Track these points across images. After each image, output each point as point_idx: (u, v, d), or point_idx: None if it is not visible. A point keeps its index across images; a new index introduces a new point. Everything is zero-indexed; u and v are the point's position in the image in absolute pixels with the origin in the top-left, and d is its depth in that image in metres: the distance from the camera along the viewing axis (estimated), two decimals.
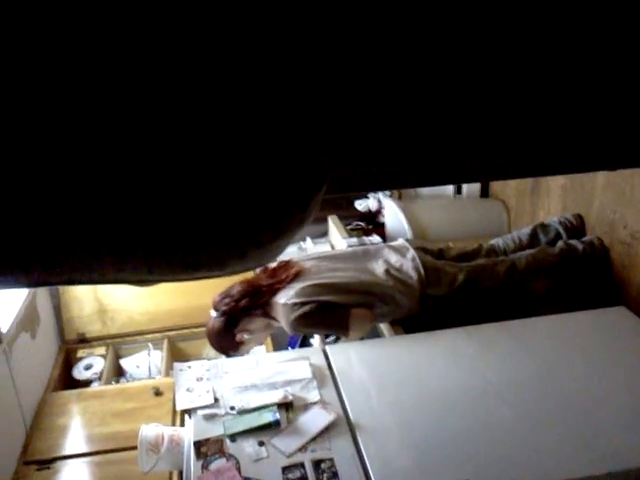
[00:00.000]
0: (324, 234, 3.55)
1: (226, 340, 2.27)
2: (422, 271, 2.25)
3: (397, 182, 0.98)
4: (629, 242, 2.29)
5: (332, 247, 3.38)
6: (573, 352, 1.99)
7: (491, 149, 0.74)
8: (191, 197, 0.46)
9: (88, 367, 2.93)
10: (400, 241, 2.49)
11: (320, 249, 3.43)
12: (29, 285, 0.52)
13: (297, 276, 2.24)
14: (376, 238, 3.11)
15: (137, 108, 0.44)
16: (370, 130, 0.62)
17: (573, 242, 2.46)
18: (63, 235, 0.44)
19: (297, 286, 2.19)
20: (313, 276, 2.26)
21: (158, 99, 0.45)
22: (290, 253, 3.12)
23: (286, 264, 2.32)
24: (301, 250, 3.41)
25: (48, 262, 0.46)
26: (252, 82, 0.48)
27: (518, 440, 1.64)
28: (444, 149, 0.70)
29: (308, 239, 3.48)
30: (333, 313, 2.15)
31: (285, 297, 2.17)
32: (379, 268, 2.29)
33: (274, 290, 2.20)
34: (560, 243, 2.47)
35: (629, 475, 1.53)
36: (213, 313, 2.26)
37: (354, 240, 3.10)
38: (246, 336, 2.27)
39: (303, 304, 2.12)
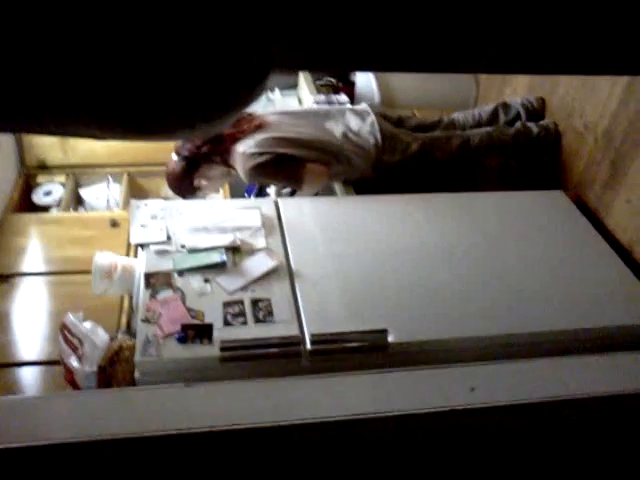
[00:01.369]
0: (294, 86, 3.51)
1: (184, 184, 2.36)
2: (379, 137, 2.31)
3: (359, 65, 0.97)
4: (581, 132, 2.37)
5: (300, 101, 3.38)
6: (511, 227, 2.14)
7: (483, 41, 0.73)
8: (145, 72, 0.51)
9: (47, 193, 2.98)
10: (363, 105, 2.52)
11: (288, 102, 3.42)
12: None
13: (259, 128, 2.29)
14: (343, 97, 3.11)
15: None
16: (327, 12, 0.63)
17: (530, 125, 2.53)
18: (22, 90, 0.49)
19: (258, 137, 2.25)
20: (274, 129, 2.30)
21: None
22: (257, 104, 3.11)
23: (250, 116, 2.34)
24: (269, 101, 3.39)
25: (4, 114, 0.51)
26: None
27: (448, 298, 1.81)
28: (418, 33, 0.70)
29: (277, 91, 3.45)
30: (289, 166, 2.22)
31: (245, 146, 2.23)
32: (338, 130, 2.34)
33: (235, 139, 2.25)
34: (518, 124, 2.54)
35: (546, 336, 1.73)
36: (174, 156, 2.32)
37: (321, 97, 3.10)
38: (204, 182, 2.35)
39: (261, 154, 2.19)
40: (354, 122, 2.37)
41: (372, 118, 2.37)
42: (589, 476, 1.70)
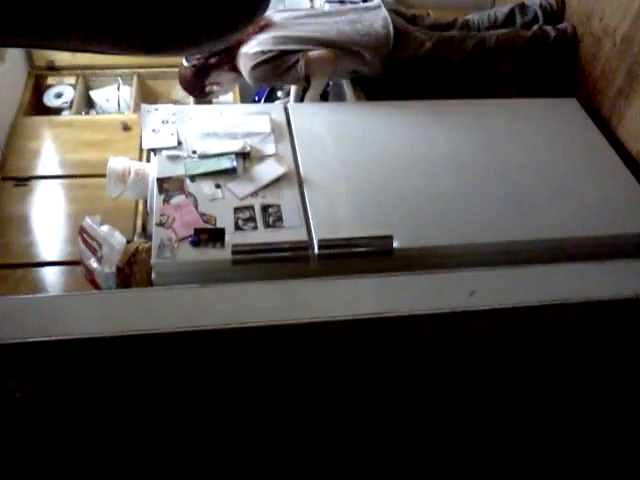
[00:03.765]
0: None
1: (196, 89, 2.38)
2: (391, 30, 2.26)
3: None
4: (600, 36, 2.30)
5: (311, 1, 3.27)
6: (521, 135, 2.13)
7: None
8: None
9: (58, 95, 2.97)
10: (375, 1, 2.45)
11: (299, 2, 3.31)
12: (6, 46, 0.61)
13: (263, 29, 2.24)
14: None
15: None
16: None
17: (547, 28, 2.46)
18: (41, 12, 0.51)
19: (261, 37, 2.22)
20: (280, 28, 2.27)
21: None
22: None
23: None
24: (279, 1, 3.29)
25: (25, 30, 0.53)
26: None
27: (453, 205, 1.84)
28: None
29: None
30: (291, 60, 2.19)
31: (248, 47, 2.22)
32: (349, 25, 2.29)
33: (240, 43, 2.22)
34: (535, 27, 2.46)
35: (550, 244, 1.78)
36: (185, 62, 2.30)
37: None
38: (215, 87, 2.36)
39: (263, 52, 2.17)
40: (366, 16, 2.32)
41: (384, 12, 2.31)
42: (583, 379, 1.80)
